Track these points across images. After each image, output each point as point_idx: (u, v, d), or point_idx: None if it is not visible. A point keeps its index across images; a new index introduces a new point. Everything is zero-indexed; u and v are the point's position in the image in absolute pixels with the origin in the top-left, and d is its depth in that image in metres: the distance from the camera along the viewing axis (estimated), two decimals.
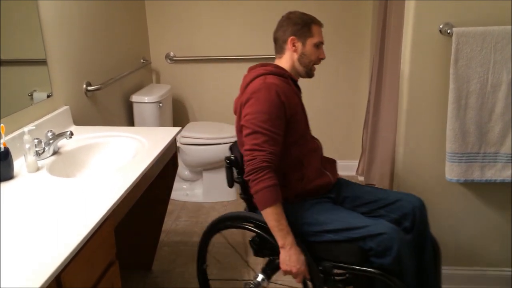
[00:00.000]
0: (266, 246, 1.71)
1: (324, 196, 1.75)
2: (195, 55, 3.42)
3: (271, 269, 1.72)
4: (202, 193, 3.21)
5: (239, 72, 3.42)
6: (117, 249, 1.42)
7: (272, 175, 1.53)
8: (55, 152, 1.81)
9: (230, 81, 3.45)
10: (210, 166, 3.14)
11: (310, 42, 1.73)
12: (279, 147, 1.59)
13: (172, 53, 3.43)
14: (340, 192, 1.81)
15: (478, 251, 2.13)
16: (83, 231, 1.21)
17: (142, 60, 3.26)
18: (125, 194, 1.45)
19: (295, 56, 1.75)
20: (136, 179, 1.55)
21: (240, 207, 3.12)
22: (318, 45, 1.75)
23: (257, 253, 1.76)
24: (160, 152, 1.79)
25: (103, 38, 2.62)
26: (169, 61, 3.45)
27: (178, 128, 2.09)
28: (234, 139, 3.10)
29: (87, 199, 1.41)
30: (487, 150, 1.92)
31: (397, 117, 2.12)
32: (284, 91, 1.64)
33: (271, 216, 1.52)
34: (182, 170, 3.22)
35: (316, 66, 1.79)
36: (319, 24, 1.76)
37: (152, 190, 1.91)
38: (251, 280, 1.71)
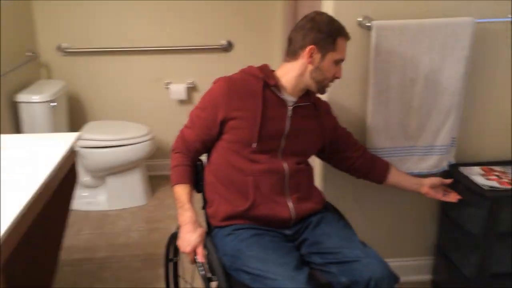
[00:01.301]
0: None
1: (275, 231, 1.51)
2: (92, 47, 3.10)
3: None
4: (107, 200, 2.92)
5: (143, 65, 3.18)
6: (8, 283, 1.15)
7: (174, 156, 1.60)
8: None
9: (133, 75, 3.19)
10: (115, 170, 2.87)
11: (331, 57, 1.50)
12: (192, 137, 1.58)
13: (65, 44, 3.07)
14: (301, 231, 1.55)
15: (397, 242, 2.15)
16: None
17: (28, 53, 2.88)
18: (8, 231, 1.16)
19: (309, 68, 1.52)
20: (22, 209, 1.26)
21: (152, 212, 2.89)
22: (338, 62, 1.53)
23: None
24: (53, 171, 1.49)
25: None
26: (61, 53, 3.09)
27: (75, 134, 1.80)
28: (141, 139, 2.87)
29: None
30: (405, 144, 1.93)
31: None
32: (238, 90, 1.52)
33: (174, 195, 1.56)
34: (82, 176, 2.89)
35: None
36: (346, 36, 1.53)
37: (47, 210, 1.61)
38: None
